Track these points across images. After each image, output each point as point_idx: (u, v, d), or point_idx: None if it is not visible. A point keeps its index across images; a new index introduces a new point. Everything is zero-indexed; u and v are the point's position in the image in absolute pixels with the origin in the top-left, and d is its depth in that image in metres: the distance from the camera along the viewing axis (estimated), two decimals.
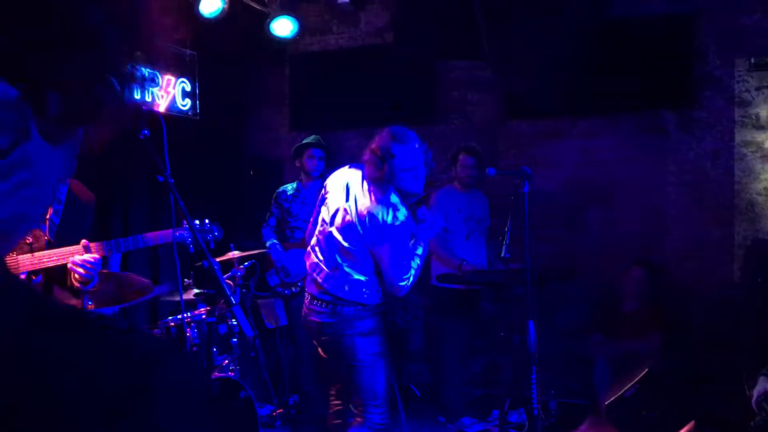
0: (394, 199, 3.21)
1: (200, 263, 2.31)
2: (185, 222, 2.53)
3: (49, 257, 2.74)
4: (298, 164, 5.14)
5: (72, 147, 0.94)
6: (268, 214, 5.18)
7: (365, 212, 3.17)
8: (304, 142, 5.11)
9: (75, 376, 0.80)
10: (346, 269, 3.21)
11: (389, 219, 3.14)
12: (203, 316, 3.68)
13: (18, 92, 0.85)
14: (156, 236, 2.76)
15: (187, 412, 0.85)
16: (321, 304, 3.25)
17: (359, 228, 3.17)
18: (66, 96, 0.88)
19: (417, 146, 3.23)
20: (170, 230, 2.67)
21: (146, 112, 2.30)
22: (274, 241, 5.06)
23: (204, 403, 0.89)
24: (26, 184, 0.88)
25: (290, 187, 5.17)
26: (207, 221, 3.07)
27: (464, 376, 5.27)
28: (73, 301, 3.44)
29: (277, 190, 5.19)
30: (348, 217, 3.21)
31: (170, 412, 0.83)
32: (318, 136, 5.14)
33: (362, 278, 3.21)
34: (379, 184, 3.20)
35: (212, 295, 2.33)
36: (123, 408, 0.80)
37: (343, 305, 3.21)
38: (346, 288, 3.20)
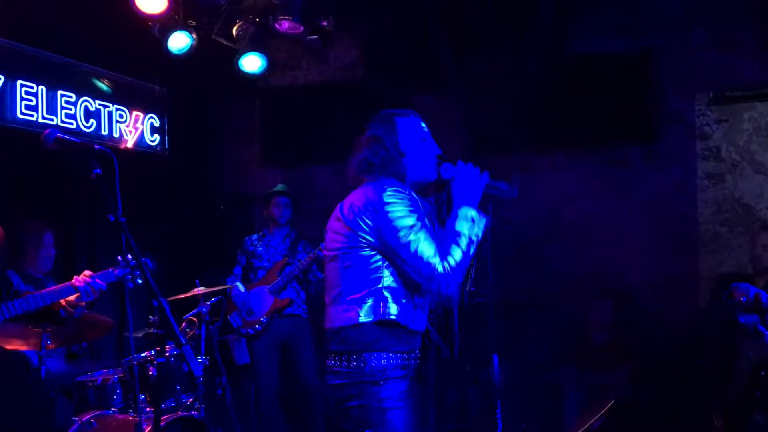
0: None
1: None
2: (120, 259, 2.56)
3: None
4: (266, 214, 5.29)
5: None
6: (235, 262, 5.25)
7: None
8: (270, 191, 5.28)
9: None
10: None
11: None
12: (154, 355, 3.64)
13: None
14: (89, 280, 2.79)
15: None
16: None
17: None
18: None
19: (419, 119, 2.71)
20: (109, 269, 2.69)
21: (98, 151, 2.29)
22: (237, 282, 5.09)
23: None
24: None
25: (257, 236, 5.30)
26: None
27: (436, 410, 5.23)
28: (32, 341, 3.39)
29: (245, 238, 5.29)
30: None
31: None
32: (284, 185, 5.32)
33: None
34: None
35: (161, 334, 2.29)
36: None
37: None
38: None
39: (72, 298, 2.91)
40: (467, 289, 4.22)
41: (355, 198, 2.54)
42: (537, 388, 5.12)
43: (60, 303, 2.91)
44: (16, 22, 4.62)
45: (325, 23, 5.48)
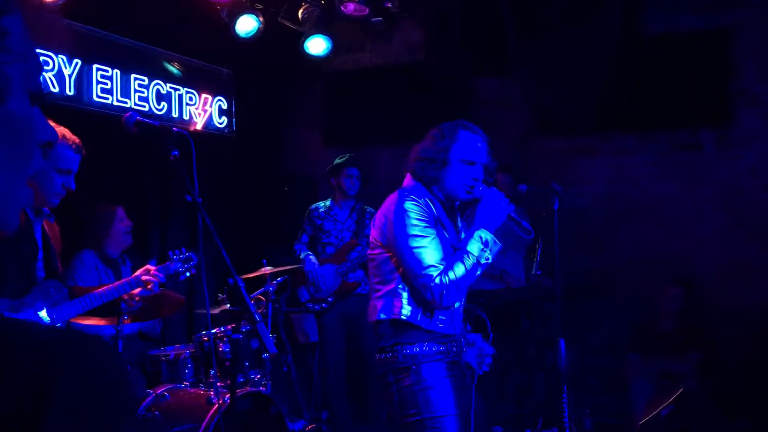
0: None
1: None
2: (174, 253, 2.70)
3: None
4: (333, 183, 5.18)
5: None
6: (300, 231, 5.23)
7: None
8: (342, 160, 5.14)
9: None
10: None
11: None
12: (225, 332, 3.76)
13: None
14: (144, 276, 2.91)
15: (88, 418, 0.72)
16: None
17: None
18: None
19: (482, 144, 2.74)
20: (167, 263, 2.82)
21: (176, 134, 2.36)
22: (309, 252, 5.10)
23: (114, 405, 0.75)
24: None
25: (322, 205, 5.23)
26: (184, 249, 3.16)
27: (498, 392, 5.23)
28: (109, 317, 3.52)
29: (310, 207, 5.25)
30: None
31: (67, 419, 0.71)
32: (354, 156, 5.17)
33: None
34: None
35: (237, 311, 2.35)
36: (18, 409, 0.69)
37: None
38: None
39: (135, 291, 2.99)
40: (533, 272, 4.19)
41: (383, 205, 2.71)
42: (603, 374, 5.06)
43: (122, 296, 2.99)
44: (92, 8, 4.76)
45: (389, 5, 5.47)
